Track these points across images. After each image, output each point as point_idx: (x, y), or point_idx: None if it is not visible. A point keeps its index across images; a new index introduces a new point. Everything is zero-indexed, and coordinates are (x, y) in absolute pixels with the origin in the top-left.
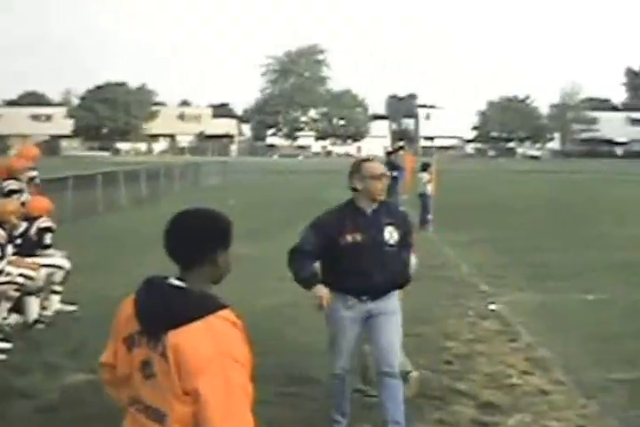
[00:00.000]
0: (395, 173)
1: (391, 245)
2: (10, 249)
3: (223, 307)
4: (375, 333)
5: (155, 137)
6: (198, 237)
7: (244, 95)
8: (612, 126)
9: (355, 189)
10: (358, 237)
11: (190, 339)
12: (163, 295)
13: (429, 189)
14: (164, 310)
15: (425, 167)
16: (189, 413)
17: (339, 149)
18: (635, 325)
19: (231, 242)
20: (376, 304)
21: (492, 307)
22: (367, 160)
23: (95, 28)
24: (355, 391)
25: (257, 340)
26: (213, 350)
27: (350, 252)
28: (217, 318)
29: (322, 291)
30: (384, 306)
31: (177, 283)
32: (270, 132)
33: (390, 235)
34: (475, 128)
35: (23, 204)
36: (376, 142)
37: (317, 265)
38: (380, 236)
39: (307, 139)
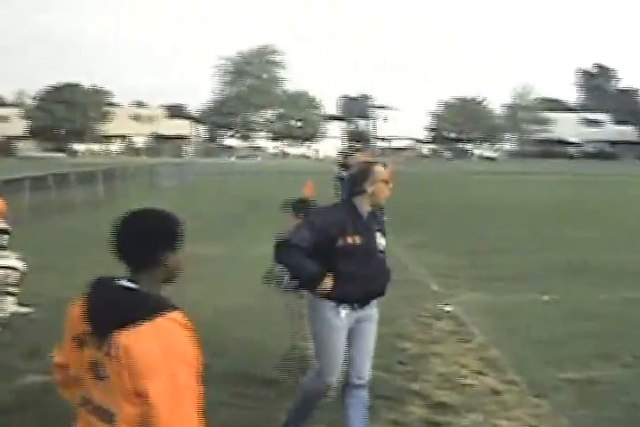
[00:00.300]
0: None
1: (381, 252)
2: None
3: (172, 308)
4: (354, 340)
5: (110, 138)
6: (148, 238)
7: (200, 96)
8: (566, 127)
9: (361, 192)
10: (358, 241)
11: (139, 340)
12: (112, 296)
13: None
14: (113, 311)
15: None
16: (138, 414)
17: (295, 150)
18: (586, 325)
19: (182, 242)
20: (364, 312)
21: (446, 308)
22: (375, 164)
23: (47, 29)
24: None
25: (214, 341)
26: (162, 351)
27: (349, 255)
28: (166, 320)
29: (329, 284)
30: (370, 313)
31: (127, 284)
32: (226, 133)
33: (379, 241)
34: (430, 129)
35: None
36: (332, 143)
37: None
38: (373, 241)
39: (263, 140)
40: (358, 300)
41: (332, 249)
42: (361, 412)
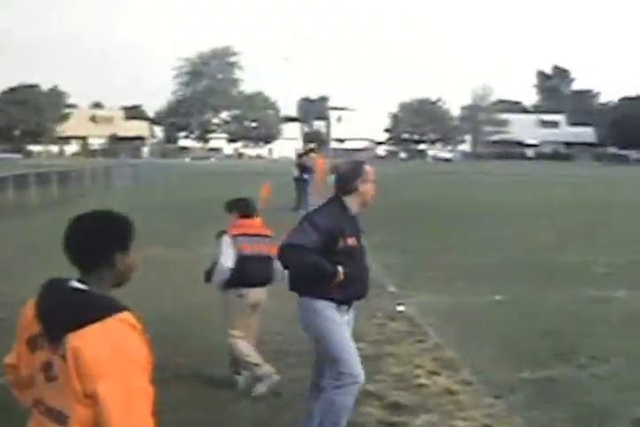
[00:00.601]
0: (305, 175)
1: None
2: None
3: (122, 309)
4: None
5: (66, 139)
6: (97, 239)
7: (157, 97)
8: (523, 128)
9: (353, 190)
10: (354, 242)
11: (89, 341)
12: (63, 297)
13: None
14: (63, 313)
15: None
16: (91, 415)
17: (250, 151)
18: (540, 325)
19: (131, 244)
20: (350, 314)
21: (401, 308)
22: (364, 162)
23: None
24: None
25: (173, 341)
26: (112, 352)
27: (348, 256)
28: (116, 321)
29: (342, 276)
30: (352, 316)
31: (77, 285)
32: (182, 134)
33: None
34: (386, 130)
35: None
36: (288, 144)
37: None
38: (360, 242)
39: (218, 141)
40: (351, 301)
41: (334, 251)
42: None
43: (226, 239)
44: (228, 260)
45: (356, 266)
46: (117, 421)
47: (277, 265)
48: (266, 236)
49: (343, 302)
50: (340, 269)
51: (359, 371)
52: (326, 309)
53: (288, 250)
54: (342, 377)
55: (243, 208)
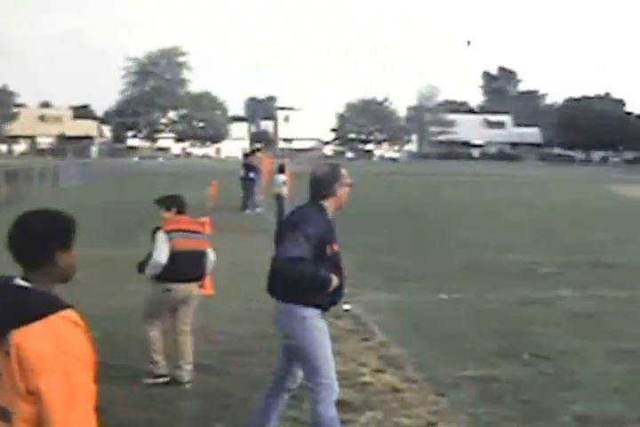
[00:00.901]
0: (252, 175)
1: None
2: None
3: (66, 307)
4: None
5: (14, 138)
6: (38, 238)
7: (105, 97)
8: (469, 129)
9: (331, 194)
10: (338, 247)
11: (32, 338)
12: (6, 295)
13: (285, 190)
14: (7, 310)
15: (281, 169)
16: (34, 412)
17: (198, 150)
18: (484, 323)
19: (72, 242)
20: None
21: (347, 307)
22: (341, 166)
23: None
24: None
25: (118, 340)
26: (55, 349)
27: (333, 262)
28: (59, 318)
29: (336, 280)
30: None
31: (21, 283)
32: (130, 133)
33: None
34: (333, 130)
35: None
36: (235, 144)
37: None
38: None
39: (166, 140)
40: (331, 306)
41: (323, 258)
42: (279, 414)
43: (160, 235)
44: (162, 255)
45: (340, 271)
46: (60, 417)
47: (209, 260)
48: (199, 232)
49: (327, 308)
50: (333, 276)
51: (335, 382)
52: (314, 317)
53: (289, 264)
54: (320, 388)
55: (176, 205)
